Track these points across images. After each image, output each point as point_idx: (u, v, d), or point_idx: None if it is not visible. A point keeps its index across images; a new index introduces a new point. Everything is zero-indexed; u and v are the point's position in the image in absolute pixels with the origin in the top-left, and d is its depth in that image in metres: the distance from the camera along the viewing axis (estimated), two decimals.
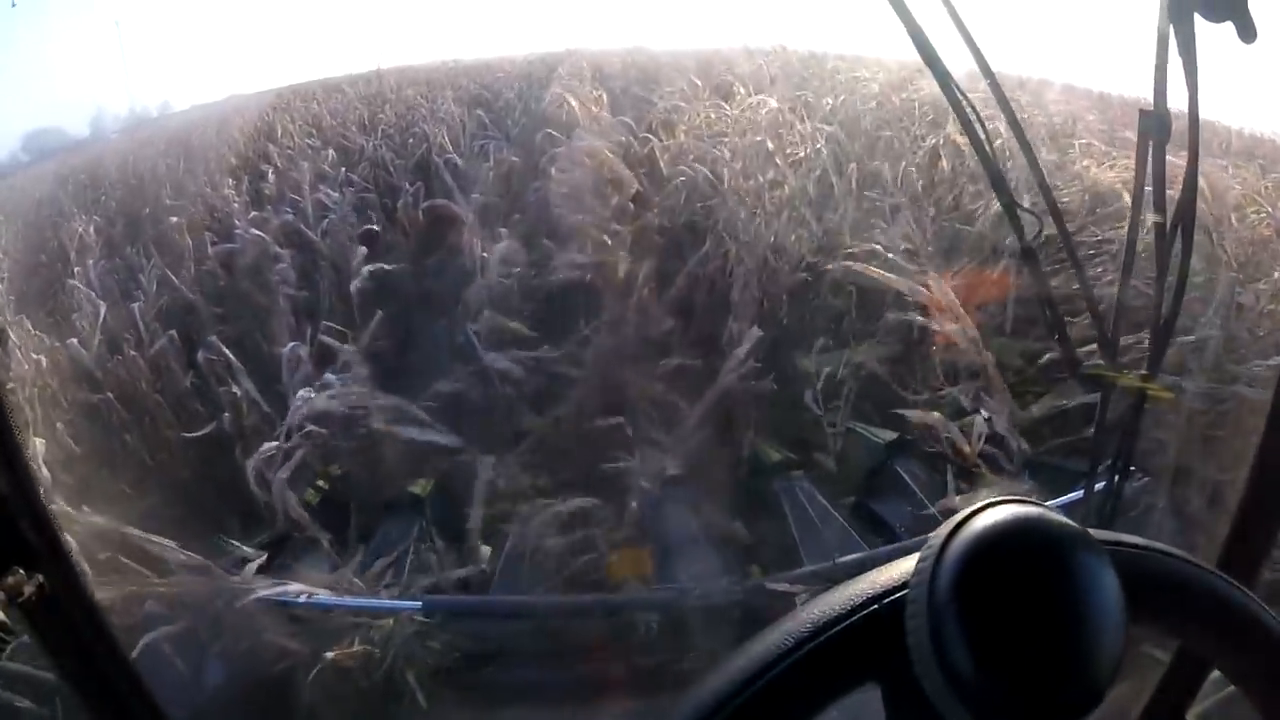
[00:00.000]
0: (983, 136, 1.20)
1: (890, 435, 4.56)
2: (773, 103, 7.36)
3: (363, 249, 6.47)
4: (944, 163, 6.53)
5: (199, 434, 4.74)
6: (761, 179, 6.35)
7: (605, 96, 8.66)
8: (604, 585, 3.75)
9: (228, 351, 4.87)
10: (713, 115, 7.78)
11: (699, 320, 5.60)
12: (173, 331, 5.25)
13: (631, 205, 6.43)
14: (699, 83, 8.71)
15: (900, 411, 4.45)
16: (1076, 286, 1.35)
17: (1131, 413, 1.37)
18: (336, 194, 7.37)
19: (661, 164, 7.07)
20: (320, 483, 4.57)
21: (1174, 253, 1.23)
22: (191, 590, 3.49)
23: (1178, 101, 1.18)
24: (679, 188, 6.63)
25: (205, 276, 6.15)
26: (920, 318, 4.71)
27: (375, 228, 7.09)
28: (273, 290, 5.83)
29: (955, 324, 4.38)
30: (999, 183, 1.26)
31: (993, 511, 0.56)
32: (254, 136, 9.02)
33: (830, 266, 5.50)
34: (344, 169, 7.97)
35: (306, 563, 4.10)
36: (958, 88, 1.19)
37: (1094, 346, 1.39)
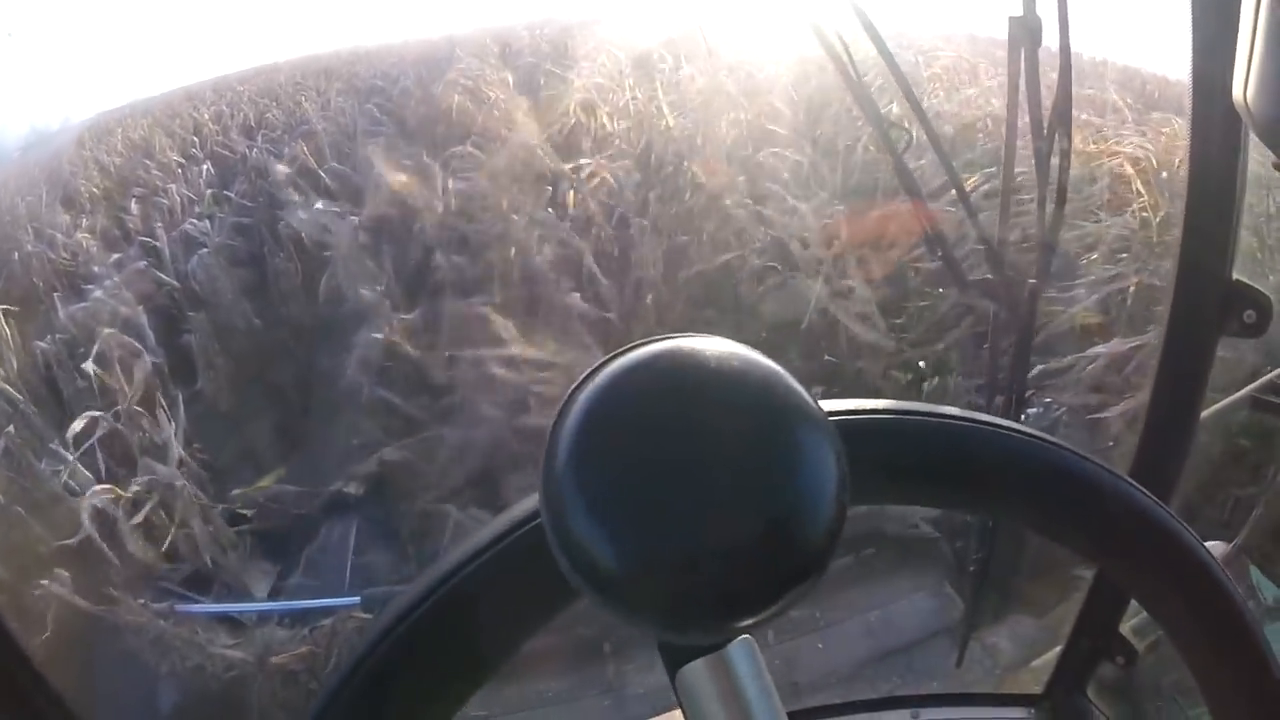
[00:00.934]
0: (846, 58, 1.16)
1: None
2: (710, 71, 6.79)
3: (240, 283, 5.78)
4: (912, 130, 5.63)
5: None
6: (703, 164, 5.75)
7: (511, 78, 8.04)
8: None
9: (70, 455, 4.14)
10: (640, 93, 7.06)
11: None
12: (11, 428, 4.30)
13: (549, 212, 5.81)
14: (621, 55, 7.80)
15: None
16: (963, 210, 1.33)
17: (1025, 320, 1.36)
18: (207, 224, 6.40)
19: (584, 154, 6.31)
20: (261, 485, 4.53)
21: (1054, 155, 1.20)
22: (132, 613, 3.43)
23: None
24: (604, 184, 5.92)
25: (61, 347, 5.01)
26: None
27: (258, 253, 6.22)
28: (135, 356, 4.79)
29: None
30: (864, 100, 1.23)
31: (639, 350, 0.40)
32: (129, 154, 8.01)
33: (792, 272, 5.07)
34: (214, 189, 7.01)
35: (246, 573, 4.06)
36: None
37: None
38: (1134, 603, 1.37)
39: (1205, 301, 1.12)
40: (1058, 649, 1.46)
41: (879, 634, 3.15)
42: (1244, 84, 0.84)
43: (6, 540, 3.82)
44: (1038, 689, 1.46)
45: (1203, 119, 1.04)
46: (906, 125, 1.34)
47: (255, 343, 5.63)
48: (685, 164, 5.93)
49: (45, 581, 3.47)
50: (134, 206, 6.66)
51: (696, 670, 0.42)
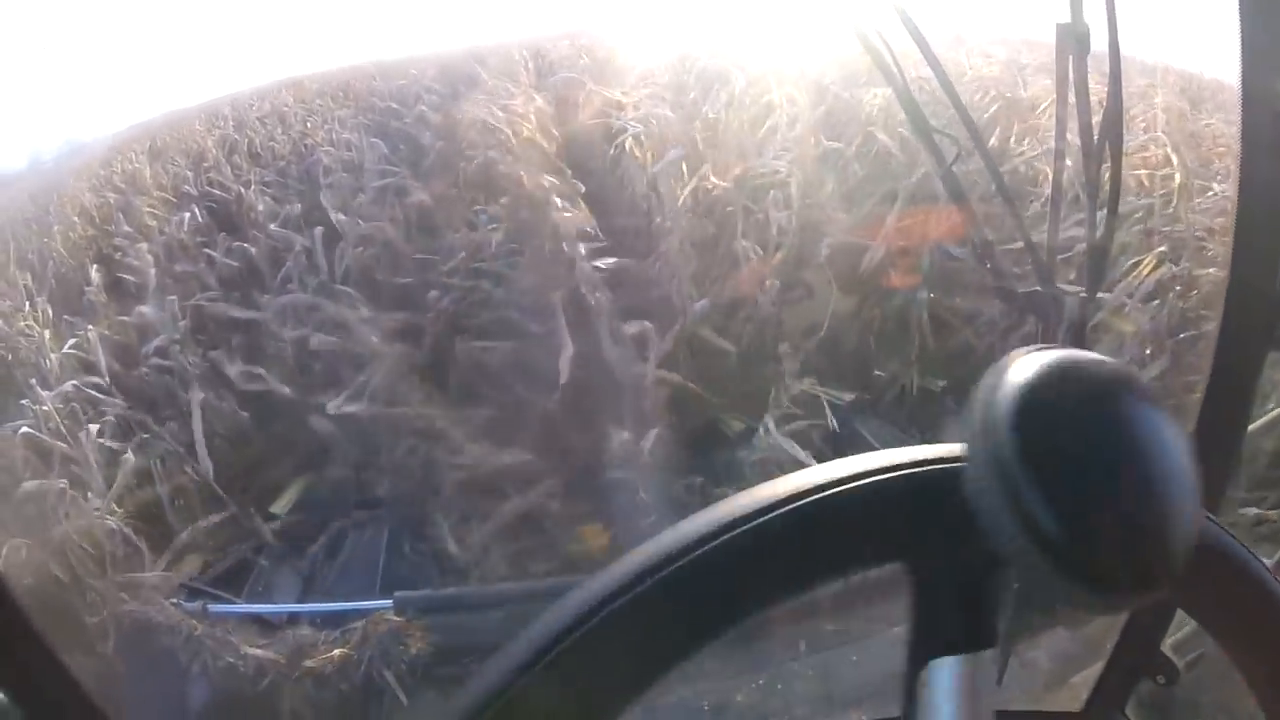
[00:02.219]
0: (892, 64, 1.16)
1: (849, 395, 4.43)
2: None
3: (214, 384, 4.73)
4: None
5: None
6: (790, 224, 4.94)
7: (548, 106, 7.11)
8: (570, 567, 3.72)
9: None
10: (710, 116, 6.05)
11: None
12: None
13: (597, 296, 4.85)
14: (689, 81, 6.80)
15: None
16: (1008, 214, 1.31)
17: (1075, 333, 1.34)
18: (174, 303, 5.07)
19: (651, 211, 5.42)
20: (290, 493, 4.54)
21: (1104, 170, 1.19)
22: (164, 611, 3.46)
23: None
24: (680, 251, 5.03)
25: None
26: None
27: (239, 338, 5.13)
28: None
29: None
30: (912, 108, 1.22)
31: (1038, 358, 0.47)
32: (124, 189, 6.99)
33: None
34: (202, 238, 6.04)
35: (280, 574, 4.10)
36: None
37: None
38: (1176, 620, 1.35)
39: (1255, 313, 1.11)
40: (1097, 665, 1.43)
41: None
42: None
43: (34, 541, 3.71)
44: (1076, 706, 1.44)
45: (1252, 125, 1.03)
46: (954, 135, 1.34)
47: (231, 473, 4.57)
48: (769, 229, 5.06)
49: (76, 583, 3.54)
50: (96, 275, 5.53)
51: (946, 666, 0.48)
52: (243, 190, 6.80)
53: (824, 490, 0.47)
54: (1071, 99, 1.17)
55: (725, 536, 0.46)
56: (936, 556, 0.48)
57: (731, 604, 0.46)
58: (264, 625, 3.52)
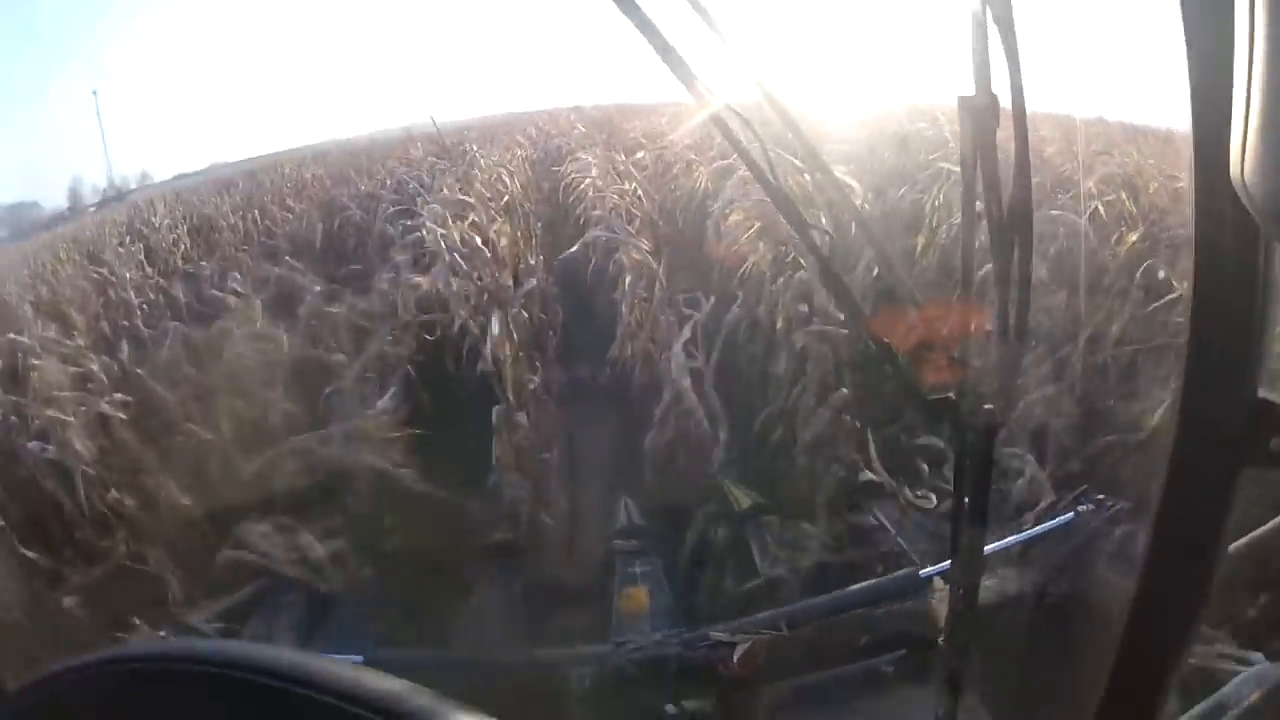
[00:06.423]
0: (763, 164, 1.01)
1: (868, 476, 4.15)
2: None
3: None
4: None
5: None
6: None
7: None
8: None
9: None
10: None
11: None
12: None
13: None
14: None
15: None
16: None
17: (982, 453, 1.15)
18: None
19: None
20: None
21: (1014, 254, 1.01)
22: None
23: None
24: None
25: None
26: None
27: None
28: None
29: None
30: (783, 202, 1.05)
31: None
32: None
33: None
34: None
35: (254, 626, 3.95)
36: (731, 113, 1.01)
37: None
38: None
39: (1222, 426, 0.89)
40: None
41: None
42: (1240, 158, 0.67)
43: None
44: None
45: (1207, 200, 0.82)
46: (827, 228, 1.19)
47: None
48: None
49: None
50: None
51: None
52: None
53: None
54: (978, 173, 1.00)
55: None
56: None
57: None
58: None
